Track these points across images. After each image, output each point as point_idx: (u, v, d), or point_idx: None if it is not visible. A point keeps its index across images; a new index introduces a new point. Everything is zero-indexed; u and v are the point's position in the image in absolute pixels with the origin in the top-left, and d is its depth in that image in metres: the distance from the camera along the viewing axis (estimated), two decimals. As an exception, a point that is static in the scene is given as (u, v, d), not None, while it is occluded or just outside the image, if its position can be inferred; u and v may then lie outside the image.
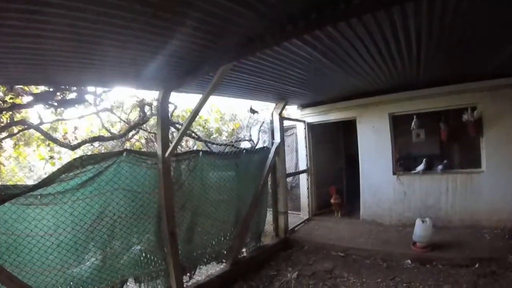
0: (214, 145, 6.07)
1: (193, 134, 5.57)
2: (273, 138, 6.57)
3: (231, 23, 2.63)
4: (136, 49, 2.92)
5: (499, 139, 5.97)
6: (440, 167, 6.55)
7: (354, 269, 5.12)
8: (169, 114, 5.43)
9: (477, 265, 4.76)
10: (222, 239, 5.00)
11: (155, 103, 5.35)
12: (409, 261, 5.16)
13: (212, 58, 3.35)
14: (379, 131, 7.03)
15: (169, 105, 5.10)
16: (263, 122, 6.85)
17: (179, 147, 5.76)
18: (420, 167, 6.65)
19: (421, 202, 6.60)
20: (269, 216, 6.51)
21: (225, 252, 4.97)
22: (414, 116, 6.78)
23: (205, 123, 8.51)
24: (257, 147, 6.31)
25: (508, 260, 4.79)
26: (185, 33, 2.67)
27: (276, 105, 6.61)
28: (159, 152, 3.96)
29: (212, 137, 8.60)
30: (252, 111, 6.65)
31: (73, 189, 3.18)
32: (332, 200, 7.74)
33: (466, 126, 6.23)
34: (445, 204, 6.39)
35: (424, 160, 6.68)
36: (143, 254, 3.89)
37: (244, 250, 5.46)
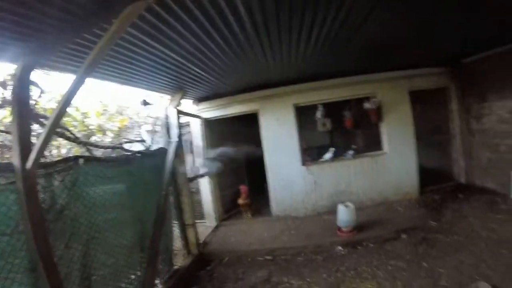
0: (98, 149, 4.41)
1: (68, 134, 3.68)
2: (169, 136, 5.37)
3: None
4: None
5: (396, 123, 6.77)
6: (350, 152, 6.89)
7: (292, 271, 4.59)
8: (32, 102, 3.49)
9: (404, 236, 5.03)
10: (133, 276, 3.60)
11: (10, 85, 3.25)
12: (340, 247, 5.04)
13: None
14: (284, 123, 6.78)
15: (34, 87, 3.30)
16: (157, 119, 5.53)
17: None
18: (328, 155, 6.79)
19: (332, 189, 6.71)
20: (175, 231, 5.30)
21: (139, 293, 3.58)
22: (319, 106, 6.71)
23: (84, 118, 6.29)
24: (152, 148, 4.97)
25: (430, 225, 5.29)
26: None
27: (172, 97, 5.43)
28: (17, 162, 2.36)
29: (93, 138, 6.50)
30: (145, 103, 5.30)
31: None
32: (240, 201, 7.02)
33: (368, 114, 6.77)
34: (356, 187, 6.74)
35: (331, 148, 6.83)
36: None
37: (157, 281, 4.16)
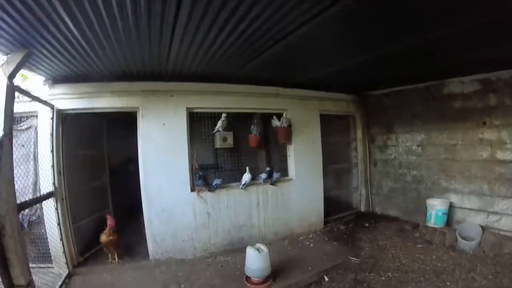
0: None
1: None
2: (-9, 128, 3.03)
3: None
4: None
5: (306, 147, 6.12)
6: (263, 175, 5.69)
7: None
8: None
9: (326, 278, 4.23)
10: None
11: None
12: (255, 306, 3.72)
13: None
14: (172, 131, 5.02)
15: None
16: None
17: None
18: (246, 179, 5.39)
19: (230, 223, 5.40)
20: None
21: None
22: (223, 115, 5.38)
23: None
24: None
25: (352, 262, 4.64)
26: None
27: (7, 58, 3.14)
28: None
29: None
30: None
31: None
32: (104, 237, 4.71)
33: (275, 133, 5.95)
34: (257, 219, 5.65)
35: (248, 169, 5.50)
36: None
37: None
